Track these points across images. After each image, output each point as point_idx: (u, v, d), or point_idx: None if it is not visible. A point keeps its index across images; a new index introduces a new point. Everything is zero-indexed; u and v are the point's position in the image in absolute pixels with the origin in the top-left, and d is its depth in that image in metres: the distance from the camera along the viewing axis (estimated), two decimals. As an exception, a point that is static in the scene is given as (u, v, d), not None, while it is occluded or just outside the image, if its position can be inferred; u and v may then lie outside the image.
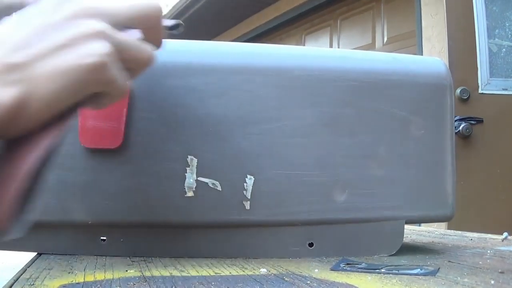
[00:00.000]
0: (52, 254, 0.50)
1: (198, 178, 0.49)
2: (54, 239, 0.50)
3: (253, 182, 0.50)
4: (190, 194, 0.49)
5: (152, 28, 0.36)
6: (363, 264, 0.46)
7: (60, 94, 0.28)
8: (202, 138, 0.50)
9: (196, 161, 0.49)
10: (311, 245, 0.51)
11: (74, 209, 0.49)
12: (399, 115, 0.53)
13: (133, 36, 0.34)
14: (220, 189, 0.49)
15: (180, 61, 0.51)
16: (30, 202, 0.29)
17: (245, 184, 0.50)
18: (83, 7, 0.31)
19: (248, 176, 0.50)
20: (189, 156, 0.49)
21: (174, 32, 0.45)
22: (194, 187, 0.49)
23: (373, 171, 0.52)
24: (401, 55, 0.57)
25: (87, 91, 0.30)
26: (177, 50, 0.52)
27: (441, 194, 0.54)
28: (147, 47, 0.35)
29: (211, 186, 0.49)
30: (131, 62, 0.34)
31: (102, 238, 0.50)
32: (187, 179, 0.49)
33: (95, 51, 0.29)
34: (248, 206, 0.50)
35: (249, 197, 0.50)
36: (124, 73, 0.33)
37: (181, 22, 0.46)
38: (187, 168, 0.49)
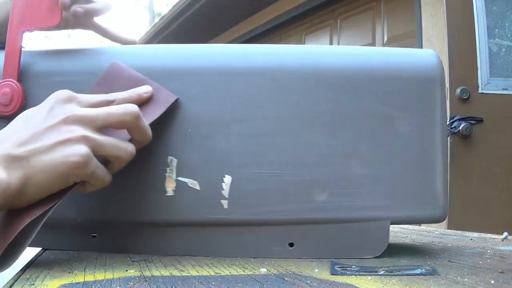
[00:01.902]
0: (55, 250, 0.52)
1: (177, 178, 0.50)
2: (49, 235, 0.52)
3: (231, 182, 0.50)
4: (170, 193, 0.50)
5: (131, 129, 0.45)
6: (354, 266, 0.46)
7: (50, 182, 0.39)
8: (181, 139, 0.50)
9: (176, 162, 0.50)
10: (291, 245, 0.51)
11: (64, 207, 0.49)
12: (383, 111, 0.51)
13: (119, 135, 0.44)
14: (199, 189, 0.50)
15: (158, 64, 0.52)
16: (15, 252, 0.40)
17: (223, 183, 0.50)
18: (70, 115, 0.41)
19: (226, 176, 0.50)
20: (169, 157, 0.50)
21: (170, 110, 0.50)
22: (174, 186, 0.50)
23: (355, 169, 0.51)
24: (388, 48, 0.56)
25: (70, 181, 0.41)
26: (155, 54, 0.54)
27: (430, 194, 0.51)
28: (125, 146, 0.44)
29: (190, 185, 0.50)
30: (111, 158, 0.44)
31: (93, 235, 0.52)
32: (167, 179, 0.50)
33: (77, 152, 0.40)
34: (226, 205, 0.50)
35: (227, 196, 0.50)
36: (103, 168, 0.43)
37: (177, 98, 0.50)
38: (167, 168, 0.50)
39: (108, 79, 0.50)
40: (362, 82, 0.52)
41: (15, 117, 0.43)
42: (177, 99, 0.50)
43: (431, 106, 0.52)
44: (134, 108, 0.44)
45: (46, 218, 0.41)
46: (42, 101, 0.47)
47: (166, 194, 0.50)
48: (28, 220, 0.39)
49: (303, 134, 0.51)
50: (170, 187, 0.50)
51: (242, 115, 0.51)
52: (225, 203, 0.50)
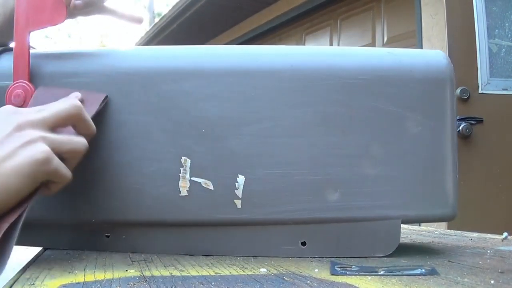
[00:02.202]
0: (56, 250, 0.52)
1: (191, 178, 0.50)
2: (60, 235, 0.53)
3: (244, 182, 0.50)
4: (184, 193, 0.50)
5: (78, 121, 0.46)
6: (354, 267, 0.46)
7: (19, 185, 0.40)
8: (195, 140, 0.51)
9: (190, 162, 0.50)
10: (303, 244, 0.52)
11: (78, 207, 0.51)
12: (394, 112, 0.52)
13: (67, 133, 0.46)
14: (212, 189, 0.50)
15: (173, 66, 0.53)
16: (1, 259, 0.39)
17: (236, 183, 0.50)
18: (21, 122, 0.42)
19: (239, 176, 0.50)
20: (183, 157, 0.50)
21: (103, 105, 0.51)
22: (188, 186, 0.50)
23: (367, 169, 0.51)
24: (398, 49, 0.56)
25: (38, 181, 0.42)
26: (168, 56, 0.54)
27: (440, 193, 0.52)
28: (79, 139, 0.46)
29: (204, 185, 0.50)
30: (68, 153, 0.45)
31: (106, 234, 0.53)
32: (181, 179, 0.50)
33: (38, 150, 0.41)
34: (240, 205, 0.50)
35: (240, 196, 0.50)
36: (64, 165, 0.44)
37: (106, 96, 0.52)
38: (181, 169, 0.51)
39: (39, 100, 0.49)
40: (373, 83, 0.52)
41: None
42: (106, 96, 0.51)
43: (441, 106, 0.53)
44: (75, 101, 0.46)
45: (21, 222, 0.41)
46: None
47: (180, 194, 0.51)
48: (5, 226, 0.39)
49: (315, 135, 0.51)
50: (184, 187, 0.51)
51: (255, 116, 0.51)
52: (238, 203, 0.50)
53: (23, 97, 0.50)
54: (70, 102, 0.46)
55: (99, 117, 0.50)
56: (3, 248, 0.40)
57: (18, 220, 0.40)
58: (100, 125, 0.51)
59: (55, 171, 0.43)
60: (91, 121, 0.48)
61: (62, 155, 0.44)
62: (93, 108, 0.50)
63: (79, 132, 0.47)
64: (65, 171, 0.44)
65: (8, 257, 0.39)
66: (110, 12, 0.67)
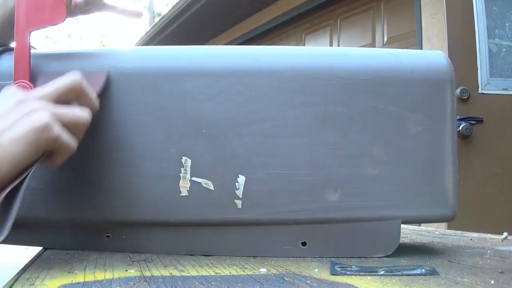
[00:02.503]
0: (56, 250, 0.52)
1: (192, 178, 0.50)
2: (61, 235, 0.53)
3: (245, 182, 0.50)
4: (184, 193, 0.50)
5: (81, 95, 0.47)
6: (354, 267, 0.46)
7: (22, 153, 0.40)
8: (195, 140, 0.51)
9: (190, 162, 0.51)
10: (304, 244, 0.52)
11: (79, 207, 0.51)
12: (394, 113, 0.52)
13: (70, 106, 0.45)
14: (213, 189, 0.50)
15: (174, 66, 0.53)
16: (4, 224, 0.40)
17: (236, 183, 0.50)
18: (25, 96, 0.43)
19: (240, 176, 0.50)
20: (183, 157, 0.51)
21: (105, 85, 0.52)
22: (188, 186, 0.50)
23: (367, 170, 0.51)
24: (398, 50, 0.56)
25: (42, 147, 0.42)
26: (170, 56, 0.54)
27: (440, 194, 0.53)
28: (81, 111, 0.46)
29: (204, 185, 0.50)
30: (71, 125, 0.44)
31: (106, 234, 0.53)
32: (181, 179, 0.50)
33: (39, 117, 0.41)
34: (240, 205, 0.50)
35: (240, 196, 0.50)
36: (68, 133, 0.44)
37: (107, 73, 0.52)
38: (182, 169, 0.51)
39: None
40: (374, 83, 0.52)
41: None
42: (107, 73, 0.51)
43: (441, 107, 0.53)
44: (76, 75, 0.46)
45: (23, 187, 0.41)
46: None
47: (181, 194, 0.51)
48: (6, 190, 0.40)
49: (315, 135, 0.51)
50: (184, 187, 0.51)
51: (255, 116, 0.51)
52: (239, 203, 0.50)
53: None
54: (70, 76, 0.46)
55: (102, 101, 0.50)
56: (5, 213, 0.41)
57: (20, 186, 0.41)
58: (100, 124, 0.51)
59: (57, 139, 0.42)
60: (93, 94, 0.48)
61: (65, 126, 0.44)
62: (96, 86, 0.50)
63: (83, 105, 0.47)
64: (68, 140, 0.44)
65: (10, 223, 0.40)
66: (110, 9, 0.67)
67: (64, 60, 0.54)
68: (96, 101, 0.48)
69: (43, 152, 0.42)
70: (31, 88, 0.50)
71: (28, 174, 0.41)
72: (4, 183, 0.40)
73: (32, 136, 0.41)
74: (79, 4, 0.58)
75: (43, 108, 0.43)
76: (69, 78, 0.46)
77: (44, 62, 0.53)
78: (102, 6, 0.66)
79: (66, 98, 0.46)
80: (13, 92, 0.45)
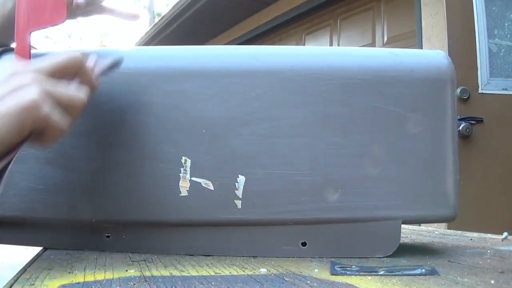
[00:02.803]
0: (56, 250, 0.52)
1: (191, 178, 0.50)
2: (61, 235, 0.54)
3: (245, 182, 0.50)
4: (184, 193, 0.51)
5: (80, 73, 0.45)
6: (354, 266, 0.46)
7: (7, 131, 0.37)
8: (195, 140, 0.51)
9: (190, 162, 0.51)
10: (304, 244, 0.52)
11: (79, 207, 0.51)
12: (395, 112, 0.52)
13: (66, 84, 0.43)
14: (213, 189, 0.50)
15: (174, 66, 0.53)
16: None
17: (236, 183, 0.50)
18: (19, 68, 0.41)
19: (240, 176, 0.50)
20: (183, 157, 0.51)
21: (115, 69, 0.50)
22: (188, 187, 0.50)
23: (367, 170, 0.51)
24: (398, 49, 0.56)
25: (28, 127, 0.38)
26: (169, 56, 0.54)
27: (441, 194, 0.52)
28: (78, 92, 0.43)
29: (204, 186, 0.50)
30: (65, 104, 0.42)
31: (107, 234, 0.53)
32: (181, 179, 0.51)
33: (29, 93, 0.38)
34: (240, 205, 0.50)
35: (240, 196, 0.50)
36: (60, 113, 0.41)
37: (120, 58, 0.51)
38: (181, 169, 0.51)
39: None
40: (374, 83, 0.52)
41: None
42: (122, 57, 0.50)
43: (442, 106, 0.53)
44: (77, 53, 0.44)
45: (7, 171, 0.39)
46: None
47: (180, 194, 0.51)
48: None
49: (315, 135, 0.51)
50: (184, 188, 0.51)
51: (255, 116, 0.51)
52: (238, 203, 0.50)
53: None
54: (71, 53, 0.44)
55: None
56: None
57: (5, 168, 0.38)
58: (100, 124, 0.51)
59: (48, 118, 0.39)
60: (93, 74, 0.46)
61: (58, 104, 0.41)
62: (105, 62, 0.49)
63: (83, 83, 0.45)
64: (59, 120, 0.40)
65: None
66: (109, 11, 0.67)
67: None
68: (95, 80, 0.46)
69: (30, 131, 0.39)
70: None
71: (13, 156, 0.39)
72: None
73: (18, 114, 0.38)
74: (80, 5, 0.59)
75: (34, 83, 0.39)
76: (68, 55, 0.44)
77: None
78: (101, 9, 0.66)
79: (63, 74, 0.44)
80: (8, 62, 0.42)
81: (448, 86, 0.53)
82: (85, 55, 0.45)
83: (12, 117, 0.37)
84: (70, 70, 0.44)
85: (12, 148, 0.39)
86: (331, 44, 3.29)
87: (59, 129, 0.41)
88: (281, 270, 0.44)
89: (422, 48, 2.27)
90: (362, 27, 2.97)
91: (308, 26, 3.54)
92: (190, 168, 0.51)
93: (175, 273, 0.42)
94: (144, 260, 0.48)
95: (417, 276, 0.41)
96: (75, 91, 0.43)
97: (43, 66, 0.42)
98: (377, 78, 0.52)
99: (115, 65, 0.50)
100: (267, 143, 0.51)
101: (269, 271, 0.43)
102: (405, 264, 0.47)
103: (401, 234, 0.53)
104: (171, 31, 4.59)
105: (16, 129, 0.38)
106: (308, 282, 0.38)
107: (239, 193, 0.51)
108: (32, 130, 0.39)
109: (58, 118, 0.40)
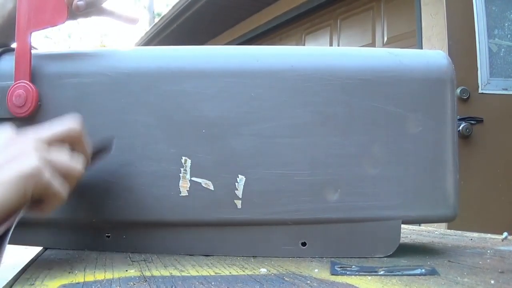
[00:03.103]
0: (56, 250, 0.52)
1: (191, 178, 0.50)
2: (61, 235, 0.54)
3: (245, 182, 0.50)
4: (184, 193, 0.51)
5: (77, 144, 0.45)
6: (354, 266, 0.46)
7: (7, 198, 0.37)
8: (195, 140, 0.51)
9: (190, 162, 0.51)
10: (304, 244, 0.52)
11: (79, 207, 0.52)
12: (394, 112, 0.52)
13: (64, 153, 0.43)
14: (213, 189, 0.50)
15: (174, 66, 0.53)
16: None
17: (236, 183, 0.50)
18: (17, 138, 0.41)
19: (239, 176, 0.50)
20: (183, 157, 0.51)
21: (105, 152, 0.51)
22: (188, 187, 0.50)
23: (367, 170, 0.51)
24: (398, 49, 0.56)
25: (29, 194, 0.39)
26: (170, 56, 0.54)
27: (441, 194, 0.52)
28: (76, 163, 0.44)
29: (204, 186, 0.51)
30: (64, 173, 0.42)
31: (107, 234, 0.53)
32: (181, 179, 0.51)
33: (30, 161, 0.39)
34: (240, 205, 0.50)
35: (240, 196, 0.50)
36: (59, 181, 0.41)
37: (111, 142, 0.51)
38: (182, 169, 0.51)
39: None
40: (374, 83, 0.52)
41: (30, 119, 0.44)
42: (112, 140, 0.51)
43: (442, 106, 0.53)
44: (76, 123, 0.45)
45: (8, 238, 0.38)
46: (57, 102, 0.48)
47: (180, 194, 0.51)
48: None
49: (315, 135, 0.51)
50: (184, 188, 0.51)
51: (255, 116, 0.51)
52: (238, 203, 0.50)
53: (24, 98, 0.50)
54: (70, 122, 0.45)
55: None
56: None
57: (5, 236, 0.38)
58: (100, 124, 0.51)
59: (48, 186, 0.40)
60: (88, 148, 0.47)
61: (57, 173, 0.42)
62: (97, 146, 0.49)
63: (79, 153, 0.46)
64: (58, 188, 0.41)
65: None
66: (109, 14, 0.67)
67: (65, 60, 0.54)
68: (89, 156, 0.47)
69: (30, 198, 0.39)
70: (32, 89, 0.50)
71: (15, 221, 0.38)
72: None
73: (19, 181, 0.38)
74: (81, 7, 0.59)
75: (35, 151, 0.40)
76: (68, 124, 0.45)
77: (45, 62, 0.53)
78: (101, 11, 0.66)
79: (62, 143, 0.44)
80: (6, 131, 0.42)
81: (448, 86, 0.53)
82: (83, 127, 0.46)
83: (13, 184, 0.38)
84: (69, 140, 0.45)
85: (13, 213, 0.39)
86: (331, 44, 3.29)
87: (58, 197, 0.41)
88: (281, 270, 0.44)
89: (422, 48, 2.27)
90: (362, 27, 2.98)
91: (308, 26, 3.54)
92: (190, 168, 0.51)
93: (175, 273, 0.42)
94: (144, 260, 0.48)
95: (417, 276, 0.41)
96: (72, 162, 0.44)
97: (43, 136, 0.43)
98: (377, 78, 0.52)
99: (105, 149, 0.50)
100: (267, 143, 0.51)
101: (269, 271, 0.43)
102: (405, 264, 0.47)
103: (401, 234, 0.53)
104: (171, 31, 4.59)
105: (17, 196, 0.38)
106: (308, 282, 0.38)
107: (239, 193, 0.51)
108: (32, 197, 0.39)
109: (57, 186, 0.41)
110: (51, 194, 0.41)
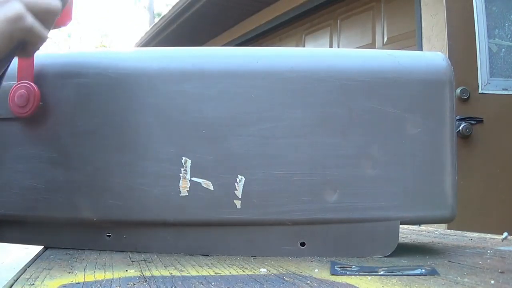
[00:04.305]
0: (56, 250, 0.52)
1: (191, 179, 0.50)
2: (62, 234, 0.54)
3: (244, 182, 0.51)
4: (184, 193, 0.51)
5: None
6: (354, 266, 0.46)
7: None
8: (195, 140, 0.51)
9: (190, 162, 0.51)
10: (302, 244, 0.52)
11: (80, 207, 0.52)
12: (393, 114, 0.52)
13: None
14: (212, 189, 0.50)
15: (174, 67, 0.53)
16: None
17: (236, 184, 0.50)
18: None
19: (239, 176, 0.50)
20: (183, 157, 0.51)
21: None
22: (188, 187, 0.50)
23: (366, 171, 0.52)
24: (398, 51, 0.56)
25: (14, 39, 0.42)
26: (170, 57, 0.55)
27: (439, 195, 0.52)
28: (53, 0, 0.45)
29: (204, 186, 0.51)
30: (43, 13, 0.44)
31: (107, 234, 0.53)
32: (181, 180, 0.51)
33: (13, 7, 0.41)
34: (239, 205, 0.51)
35: (240, 197, 0.51)
36: (40, 24, 0.43)
37: None
38: (182, 169, 0.51)
39: None
40: (373, 84, 0.52)
41: (32, 119, 0.44)
42: None
43: (440, 108, 0.53)
44: None
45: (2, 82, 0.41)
46: (59, 102, 0.48)
47: (180, 194, 0.51)
48: None
49: (314, 136, 0.52)
50: (184, 188, 0.51)
51: (255, 116, 0.51)
52: (238, 203, 0.51)
53: (27, 97, 0.50)
54: None
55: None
56: None
57: None
58: (100, 125, 0.51)
59: (31, 29, 0.43)
60: None
61: (37, 15, 0.44)
62: None
63: None
64: (41, 30, 0.44)
65: None
66: None
67: (67, 61, 0.54)
68: None
69: (16, 42, 0.43)
70: (34, 89, 0.50)
71: (5, 67, 0.42)
72: None
73: (5, 27, 0.41)
74: None
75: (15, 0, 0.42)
76: None
77: (47, 63, 0.53)
78: None
79: None
80: None
81: (446, 88, 0.53)
82: None
83: (1, 29, 0.41)
84: None
85: (3, 59, 0.42)
86: (331, 44, 3.29)
87: (41, 38, 0.44)
88: (281, 270, 0.44)
89: (422, 48, 2.27)
90: (362, 27, 2.97)
91: (308, 26, 3.54)
92: (190, 168, 0.51)
93: (175, 273, 0.42)
94: (144, 260, 0.48)
95: (417, 276, 0.41)
96: (50, 0, 0.45)
97: None
98: (376, 79, 0.52)
99: None
100: (266, 143, 0.51)
101: (269, 271, 0.43)
102: (405, 264, 0.47)
103: (401, 234, 0.53)
104: (171, 32, 4.59)
105: (5, 39, 0.41)
106: (308, 282, 0.38)
107: (239, 193, 0.51)
108: (18, 41, 0.43)
109: (39, 28, 0.44)
110: (34, 35, 0.44)
